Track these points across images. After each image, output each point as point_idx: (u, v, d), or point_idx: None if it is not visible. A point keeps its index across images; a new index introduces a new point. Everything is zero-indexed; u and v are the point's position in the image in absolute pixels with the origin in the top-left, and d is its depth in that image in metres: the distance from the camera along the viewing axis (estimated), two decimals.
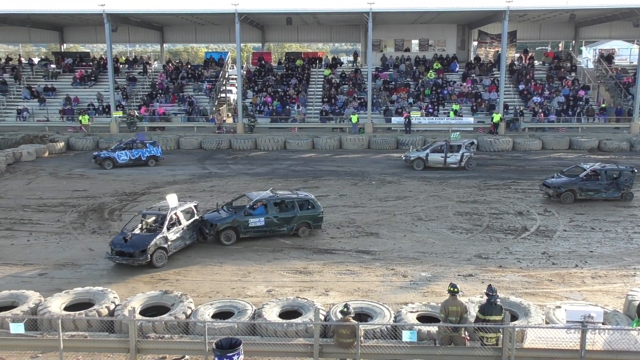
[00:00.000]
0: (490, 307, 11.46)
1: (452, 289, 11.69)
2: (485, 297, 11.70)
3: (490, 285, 11.91)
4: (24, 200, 25.70)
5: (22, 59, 56.85)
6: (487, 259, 18.15)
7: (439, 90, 45.66)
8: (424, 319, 13.05)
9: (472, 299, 13.49)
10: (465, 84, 46.43)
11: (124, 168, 32.41)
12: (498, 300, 11.62)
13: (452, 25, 51.13)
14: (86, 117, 42.33)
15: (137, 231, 18.05)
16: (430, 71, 47.78)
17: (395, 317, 12.95)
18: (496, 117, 40.72)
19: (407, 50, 51.97)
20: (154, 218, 18.75)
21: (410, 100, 44.86)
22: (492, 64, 48.82)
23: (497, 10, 40.54)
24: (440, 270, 17.29)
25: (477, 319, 11.58)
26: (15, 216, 23.14)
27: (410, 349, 11.41)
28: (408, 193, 26.73)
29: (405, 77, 48.13)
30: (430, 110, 43.22)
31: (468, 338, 11.58)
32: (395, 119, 42.62)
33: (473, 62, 49.98)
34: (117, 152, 32.71)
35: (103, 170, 31.83)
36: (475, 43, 53.66)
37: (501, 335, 11.06)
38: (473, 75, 47.61)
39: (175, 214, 18.41)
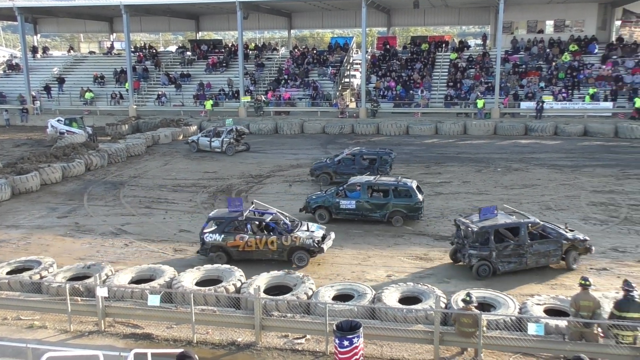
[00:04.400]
0: (627, 303, 10.71)
1: (583, 282, 11.06)
2: (622, 293, 10.93)
3: (627, 280, 11.11)
4: (161, 180, 27.48)
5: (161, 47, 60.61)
6: (624, 253, 16.91)
7: (574, 74, 42.91)
8: (552, 312, 12.41)
9: (606, 294, 12.63)
10: (604, 66, 43.17)
11: (249, 151, 33.60)
12: (636, 296, 10.78)
13: (593, 3, 47.50)
14: (210, 102, 44.32)
15: None
16: (566, 53, 44.90)
17: (520, 309, 12.43)
18: (639, 102, 37.66)
19: (541, 31, 49.19)
20: None
21: (542, 84, 42.59)
22: (637, 45, 45.01)
23: None
24: None
25: (612, 316, 10.85)
26: (153, 195, 24.82)
27: (536, 342, 10.95)
28: (536, 181, 25.49)
29: (537, 60, 45.69)
30: (564, 94, 40.80)
31: (602, 335, 10.89)
32: (524, 104, 40.69)
33: (615, 43, 46.36)
34: None
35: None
36: (618, 22, 49.77)
37: None
38: (614, 57, 44.17)
39: None
